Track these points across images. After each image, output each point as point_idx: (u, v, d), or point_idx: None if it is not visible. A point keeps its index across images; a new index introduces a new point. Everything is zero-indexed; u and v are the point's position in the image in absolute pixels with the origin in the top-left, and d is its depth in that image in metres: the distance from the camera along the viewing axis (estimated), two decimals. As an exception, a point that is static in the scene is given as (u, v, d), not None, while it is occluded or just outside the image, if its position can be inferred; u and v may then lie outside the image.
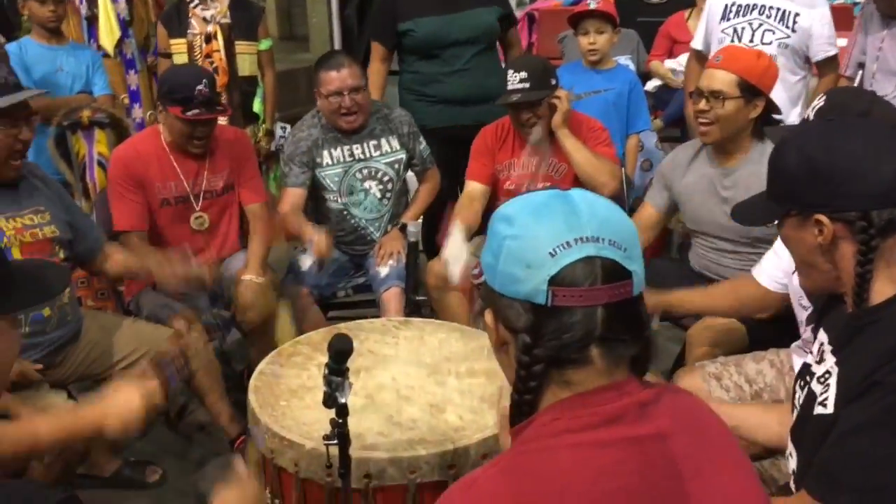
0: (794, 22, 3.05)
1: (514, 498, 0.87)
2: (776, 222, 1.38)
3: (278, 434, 1.70)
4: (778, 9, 3.05)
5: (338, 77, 2.83)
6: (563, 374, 0.94)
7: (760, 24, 3.05)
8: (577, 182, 2.76)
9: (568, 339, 0.92)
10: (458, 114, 3.30)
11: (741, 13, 3.10)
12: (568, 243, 0.92)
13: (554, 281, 0.91)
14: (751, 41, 3.06)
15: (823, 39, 3.10)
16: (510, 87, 2.70)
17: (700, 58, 3.24)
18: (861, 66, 3.38)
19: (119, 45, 3.99)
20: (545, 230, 0.93)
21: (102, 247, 2.48)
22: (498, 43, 3.48)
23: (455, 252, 2.41)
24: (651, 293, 2.07)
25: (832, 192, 1.24)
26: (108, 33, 3.94)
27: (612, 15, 3.37)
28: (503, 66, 3.39)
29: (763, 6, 3.06)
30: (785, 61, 3.04)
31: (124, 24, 4.01)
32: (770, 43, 3.04)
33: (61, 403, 2.09)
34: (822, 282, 1.35)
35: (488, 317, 1.01)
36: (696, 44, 3.31)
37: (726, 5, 3.13)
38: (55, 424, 1.65)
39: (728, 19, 3.12)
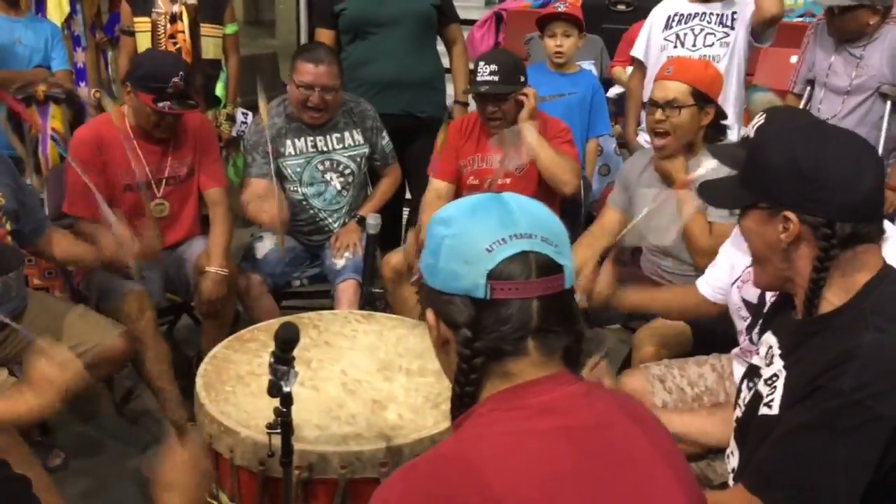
0: (733, 20, 3.16)
1: (449, 483, 0.90)
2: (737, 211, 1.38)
3: (216, 419, 1.70)
4: (717, 14, 3.19)
5: (314, 71, 2.82)
6: (502, 366, 0.99)
7: (702, 29, 3.18)
8: (540, 181, 2.78)
9: (506, 331, 0.97)
10: (387, 101, 3.27)
11: (683, 21, 3.23)
12: (503, 240, 0.97)
13: (492, 275, 0.96)
14: (693, 45, 3.18)
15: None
16: (479, 78, 2.72)
17: (640, 66, 3.37)
18: (810, 82, 3.48)
19: (67, 21, 3.90)
20: (481, 228, 0.99)
21: (46, 229, 2.40)
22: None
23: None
24: (626, 294, 2.13)
25: (808, 195, 1.24)
26: (57, 8, 3.86)
27: (580, 19, 3.42)
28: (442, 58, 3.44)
29: (703, 13, 3.20)
30: (727, 65, 3.15)
31: (73, 1, 3.93)
32: (712, 45, 3.17)
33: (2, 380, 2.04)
34: (774, 279, 1.37)
35: (430, 316, 1.05)
36: (637, 52, 3.39)
37: (669, 16, 3.25)
38: None
39: (670, 27, 3.23)
